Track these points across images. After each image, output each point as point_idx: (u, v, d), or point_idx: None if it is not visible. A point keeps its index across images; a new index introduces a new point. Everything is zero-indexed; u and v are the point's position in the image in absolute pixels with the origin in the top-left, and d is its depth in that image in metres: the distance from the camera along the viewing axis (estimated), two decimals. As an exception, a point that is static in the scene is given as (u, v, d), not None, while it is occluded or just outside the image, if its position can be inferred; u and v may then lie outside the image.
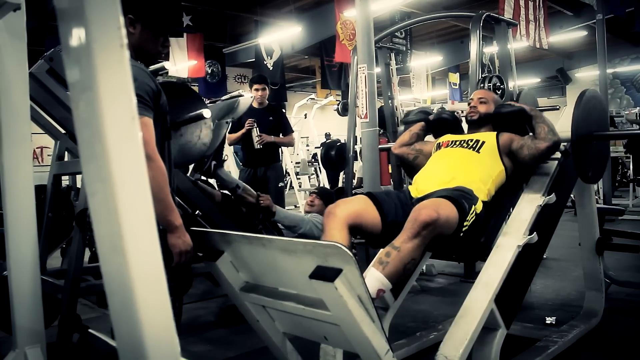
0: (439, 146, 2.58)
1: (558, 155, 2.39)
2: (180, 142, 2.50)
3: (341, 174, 8.00)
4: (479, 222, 2.14)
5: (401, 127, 3.14)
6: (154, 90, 1.69)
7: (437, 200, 2.01)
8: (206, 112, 2.33)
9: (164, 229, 1.66)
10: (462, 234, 2.07)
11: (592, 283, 2.95)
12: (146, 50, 1.78)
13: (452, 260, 2.63)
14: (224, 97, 3.79)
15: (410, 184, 2.48)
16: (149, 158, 1.54)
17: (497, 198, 2.31)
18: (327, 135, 11.49)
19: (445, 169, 2.36)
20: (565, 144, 2.40)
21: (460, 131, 2.72)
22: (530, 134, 2.42)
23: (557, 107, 5.37)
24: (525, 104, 4.52)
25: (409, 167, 2.73)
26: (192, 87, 10.36)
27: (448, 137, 2.60)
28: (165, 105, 1.80)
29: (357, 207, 2.08)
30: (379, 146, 3.94)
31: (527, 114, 2.44)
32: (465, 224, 2.07)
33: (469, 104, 2.66)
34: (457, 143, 2.50)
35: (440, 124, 2.74)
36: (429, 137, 2.84)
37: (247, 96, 3.34)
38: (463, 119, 2.74)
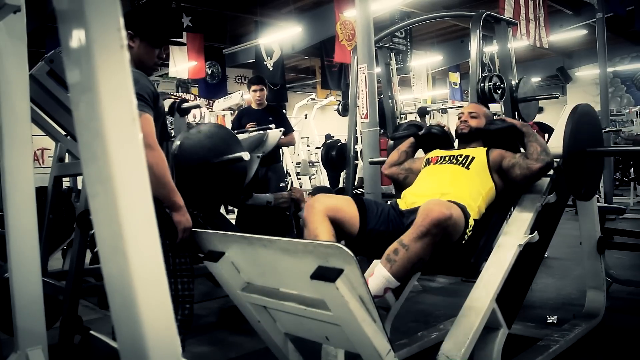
0: (428, 162, 2.52)
1: (551, 172, 2.32)
2: (218, 181, 2.53)
3: (341, 174, 8.00)
4: (469, 239, 2.09)
5: (390, 143, 3.10)
6: (154, 93, 1.86)
7: (447, 202, 1.98)
8: (245, 155, 2.38)
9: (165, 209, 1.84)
10: (463, 243, 2.05)
11: (594, 282, 2.95)
12: (144, 62, 1.98)
13: (442, 274, 2.58)
14: (223, 99, 3.79)
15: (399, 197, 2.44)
16: (150, 147, 1.72)
17: (487, 216, 2.26)
18: (328, 137, 11.48)
19: (435, 186, 2.31)
20: (557, 159, 2.34)
21: (450, 146, 2.65)
22: (522, 151, 2.35)
23: (557, 95, 5.33)
24: (525, 94, 4.52)
25: (399, 186, 2.67)
26: (192, 87, 10.37)
27: (437, 153, 2.54)
28: (163, 108, 1.98)
29: (336, 202, 2.09)
30: (370, 160, 3.92)
31: (519, 130, 2.37)
32: (467, 231, 2.05)
33: (459, 117, 2.61)
34: (447, 159, 2.44)
35: (430, 139, 2.67)
36: (420, 152, 2.78)
37: (275, 130, 3.34)
38: (453, 133, 2.70)
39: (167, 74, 10.19)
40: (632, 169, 8.86)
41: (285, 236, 3.03)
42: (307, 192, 8.59)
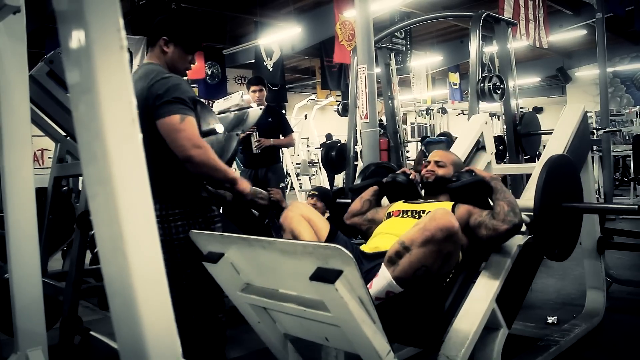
0: (389, 215, 2.36)
1: (524, 228, 2.15)
2: None
3: (340, 174, 8.00)
4: (433, 304, 1.93)
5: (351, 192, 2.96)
6: (194, 97, 1.99)
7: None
8: (219, 128, 2.35)
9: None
10: (445, 285, 1.96)
11: (594, 282, 2.95)
12: (177, 67, 2.08)
13: (409, 345, 2.30)
14: (222, 99, 3.78)
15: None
16: (198, 146, 1.87)
17: (452, 279, 2.04)
18: (329, 136, 11.47)
19: (392, 243, 2.04)
20: (530, 214, 2.14)
21: (416, 196, 2.48)
22: (490, 209, 2.12)
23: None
24: (528, 129, 4.40)
25: (363, 235, 2.52)
26: (192, 88, 10.39)
27: (399, 207, 2.37)
28: (199, 112, 2.10)
29: (311, 212, 2.12)
30: (338, 201, 3.86)
31: (488, 185, 2.17)
32: (450, 275, 1.98)
33: (425, 166, 2.46)
34: (409, 213, 2.27)
35: (394, 188, 2.50)
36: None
37: (256, 107, 3.34)
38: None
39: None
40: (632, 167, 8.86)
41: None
42: (308, 193, 8.59)
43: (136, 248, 0.75)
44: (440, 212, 1.78)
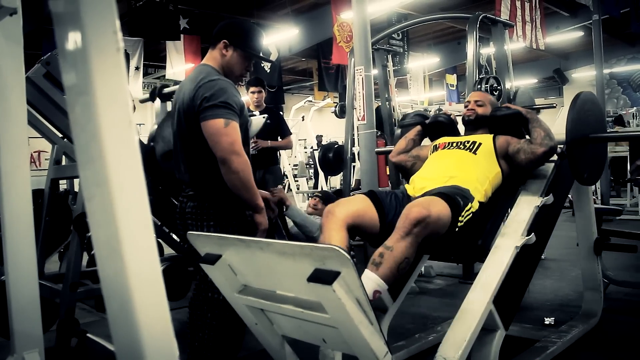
0: (435, 148, 2.58)
1: (555, 157, 2.37)
2: None
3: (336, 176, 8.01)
4: (475, 221, 2.13)
5: (398, 131, 3.13)
6: (241, 103, 2.01)
7: (429, 198, 2.02)
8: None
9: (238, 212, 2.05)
10: (457, 230, 2.05)
11: (591, 283, 2.96)
12: (233, 71, 2.14)
13: (450, 261, 2.60)
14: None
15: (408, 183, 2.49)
16: (237, 154, 1.89)
17: (494, 200, 2.30)
18: (319, 137, 11.41)
19: (443, 170, 2.36)
20: (562, 146, 2.39)
21: (456, 133, 2.72)
22: (527, 137, 2.40)
23: (554, 105, 5.39)
24: (522, 104, 4.51)
25: (407, 173, 2.72)
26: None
27: (445, 139, 2.60)
28: (247, 117, 2.14)
29: (357, 208, 2.09)
30: (376, 149, 3.94)
31: (524, 116, 2.43)
32: (460, 219, 2.06)
33: (465, 105, 2.67)
34: (454, 144, 2.50)
35: (437, 127, 2.74)
36: (426, 141, 2.83)
37: (259, 116, 3.34)
38: (459, 120, 2.75)
39: (165, 75, 10.16)
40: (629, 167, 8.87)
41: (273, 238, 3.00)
42: (305, 194, 8.59)
43: (133, 250, 0.75)
44: (410, 206, 1.90)
